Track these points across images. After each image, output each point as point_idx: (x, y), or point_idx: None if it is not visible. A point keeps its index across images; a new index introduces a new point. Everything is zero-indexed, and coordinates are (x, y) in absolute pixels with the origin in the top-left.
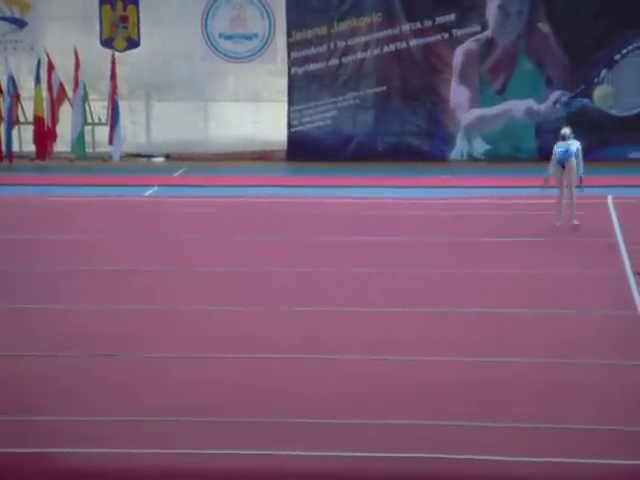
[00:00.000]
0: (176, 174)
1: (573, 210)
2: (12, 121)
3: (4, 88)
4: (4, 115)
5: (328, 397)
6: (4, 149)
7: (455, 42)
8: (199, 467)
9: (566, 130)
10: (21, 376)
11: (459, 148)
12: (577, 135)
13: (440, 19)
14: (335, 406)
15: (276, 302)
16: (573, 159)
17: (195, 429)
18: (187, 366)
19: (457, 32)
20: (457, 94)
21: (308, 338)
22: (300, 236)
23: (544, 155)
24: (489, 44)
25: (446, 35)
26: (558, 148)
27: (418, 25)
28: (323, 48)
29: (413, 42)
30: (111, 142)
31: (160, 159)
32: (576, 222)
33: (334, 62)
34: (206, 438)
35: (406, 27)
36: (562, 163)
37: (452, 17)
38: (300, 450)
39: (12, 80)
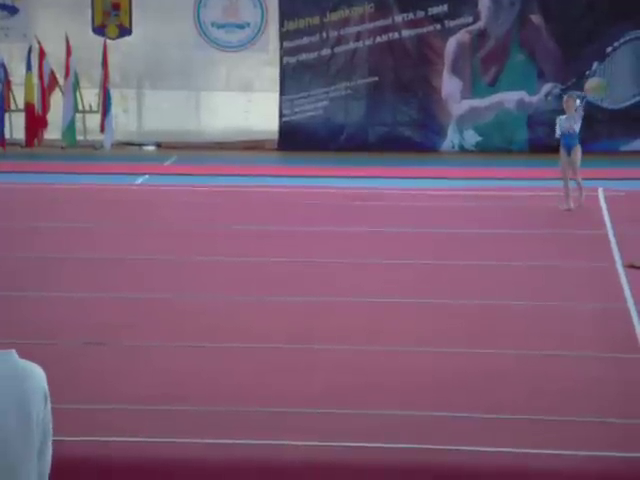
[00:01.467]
0: (167, 163)
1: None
2: (3, 108)
3: None
4: None
5: (322, 387)
6: None
7: (447, 33)
8: (188, 456)
9: (577, 101)
10: None
11: (450, 139)
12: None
13: (432, 10)
14: (328, 397)
15: (267, 292)
16: (579, 146)
17: (186, 418)
18: (178, 355)
19: (449, 23)
20: (449, 85)
21: (300, 328)
22: (291, 226)
23: (535, 147)
24: (481, 35)
25: (438, 26)
26: (563, 123)
27: (410, 16)
28: (315, 38)
29: (405, 33)
30: (102, 130)
31: (151, 147)
32: (571, 205)
33: (326, 52)
34: (197, 427)
35: (398, 18)
36: (569, 149)
37: (444, 8)
38: (293, 440)
39: (3, 67)
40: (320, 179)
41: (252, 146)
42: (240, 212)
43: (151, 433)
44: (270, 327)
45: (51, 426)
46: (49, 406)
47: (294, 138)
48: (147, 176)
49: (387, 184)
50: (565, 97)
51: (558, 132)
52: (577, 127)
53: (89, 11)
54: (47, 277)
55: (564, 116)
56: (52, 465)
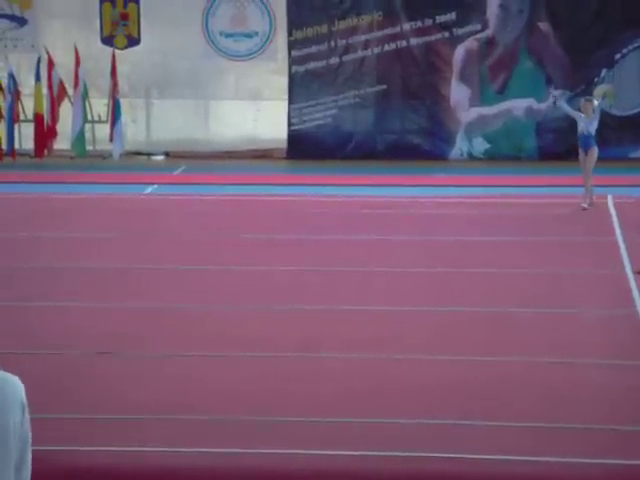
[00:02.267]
0: (176, 172)
1: (591, 192)
2: (13, 119)
3: (4, 86)
4: (5, 113)
5: (329, 396)
6: (5, 147)
7: (455, 41)
8: (197, 465)
9: (595, 102)
10: (19, 374)
11: (459, 147)
12: (577, 134)
13: (440, 18)
14: (336, 405)
15: (274, 300)
16: (595, 148)
17: (195, 428)
18: (187, 364)
19: (457, 31)
20: (457, 93)
21: (308, 337)
22: (299, 234)
23: (544, 154)
24: (490, 43)
25: (446, 34)
26: (580, 123)
27: (419, 24)
28: (324, 46)
29: (413, 41)
30: (111, 140)
31: (160, 157)
32: (585, 205)
33: (334, 60)
34: (205, 436)
35: (406, 26)
36: (585, 150)
37: (453, 16)
38: (300, 449)
39: (12, 78)
40: (328, 187)
41: (261, 155)
42: (248, 221)
43: (159, 442)
44: (278, 335)
45: (30, 437)
46: (27, 417)
47: (302, 147)
48: (156, 185)
49: (395, 192)
50: (583, 100)
51: (567, 108)
52: (592, 129)
53: (97, 21)
54: (56, 287)
55: (583, 115)
56: (63, 473)
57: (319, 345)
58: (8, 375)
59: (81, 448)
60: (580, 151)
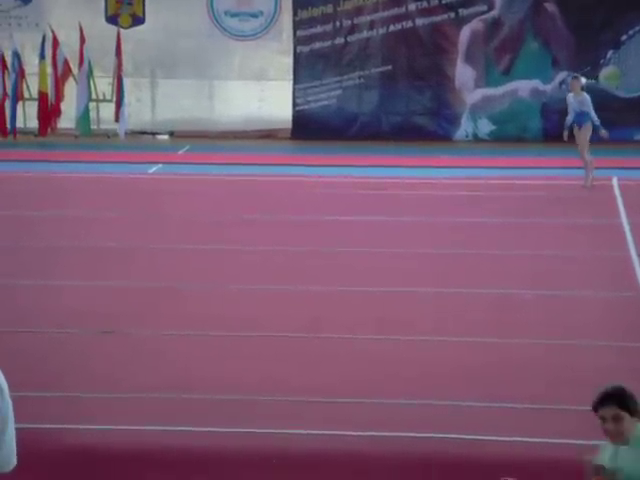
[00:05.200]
0: (180, 152)
1: (588, 172)
2: (17, 97)
3: (9, 64)
4: (9, 91)
5: (334, 376)
6: (8, 125)
7: (461, 21)
8: (199, 444)
9: (583, 80)
10: (21, 352)
11: (464, 128)
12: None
13: None
14: (341, 386)
15: (278, 281)
16: (589, 125)
17: (196, 406)
18: (188, 344)
19: (463, 11)
20: (463, 74)
21: (312, 318)
22: (304, 215)
23: (550, 136)
24: (495, 24)
25: (452, 14)
26: (572, 101)
27: (424, 4)
28: (329, 27)
29: (419, 21)
30: (116, 119)
31: (165, 136)
32: (587, 184)
33: (340, 41)
34: (207, 416)
35: (412, 6)
36: (579, 125)
37: None
38: (305, 429)
39: (17, 56)
40: (333, 168)
41: (265, 135)
42: (252, 201)
43: (163, 421)
44: (283, 316)
45: (9, 418)
46: (7, 399)
47: (307, 127)
48: (160, 165)
49: (401, 173)
50: (570, 79)
51: (571, 115)
52: (586, 108)
53: (102, 0)
54: (58, 266)
55: (572, 94)
56: (66, 452)
57: (324, 326)
58: None
59: (80, 426)
60: (575, 129)
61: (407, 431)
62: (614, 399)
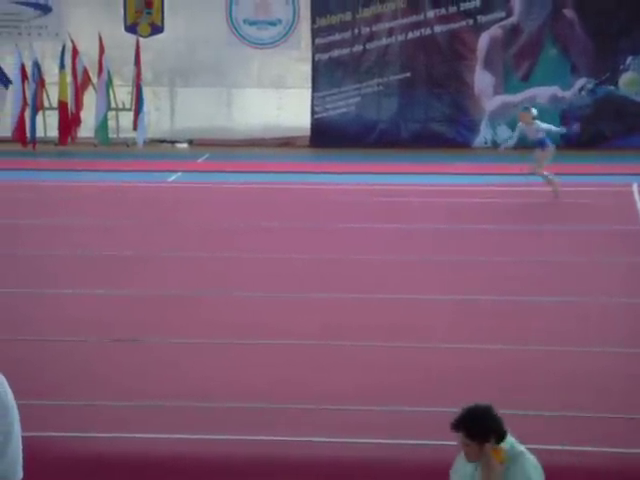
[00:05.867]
0: (200, 160)
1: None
2: (37, 106)
3: (29, 74)
4: (29, 101)
5: (348, 383)
6: (28, 134)
7: (480, 28)
8: (213, 452)
9: (534, 111)
10: (42, 360)
11: (483, 135)
12: (602, 122)
13: (465, 5)
14: (355, 393)
15: (296, 289)
16: (550, 146)
17: (210, 414)
18: (204, 351)
19: (482, 18)
20: (481, 81)
21: (326, 325)
22: (322, 223)
23: (569, 142)
24: (514, 30)
25: (471, 21)
26: (527, 132)
27: (442, 11)
28: (347, 34)
29: (437, 28)
30: (135, 128)
31: (184, 145)
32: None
33: (358, 48)
34: (221, 423)
35: (430, 13)
36: (541, 148)
37: (477, 3)
38: (320, 436)
39: (37, 66)
40: (352, 176)
41: (284, 143)
42: (272, 209)
43: (177, 429)
44: (297, 323)
45: (15, 432)
46: (10, 414)
47: (326, 135)
48: (180, 173)
49: (419, 180)
50: (520, 112)
51: (514, 139)
52: (540, 134)
53: (121, 9)
54: (79, 274)
55: (524, 125)
56: (78, 460)
57: (339, 333)
58: None
59: (102, 434)
60: (537, 149)
61: (421, 438)
62: (462, 429)
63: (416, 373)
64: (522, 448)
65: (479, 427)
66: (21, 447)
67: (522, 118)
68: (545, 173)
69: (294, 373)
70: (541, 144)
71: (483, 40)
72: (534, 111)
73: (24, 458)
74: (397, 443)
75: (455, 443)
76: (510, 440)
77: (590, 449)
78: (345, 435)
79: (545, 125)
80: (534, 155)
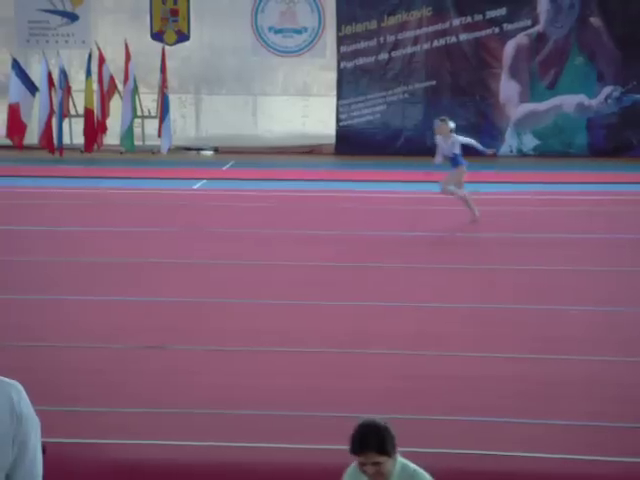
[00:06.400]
0: (225, 167)
1: (471, 206)
2: (63, 114)
3: (56, 81)
4: (55, 108)
5: (379, 391)
6: (55, 141)
7: (506, 36)
8: (248, 460)
9: (451, 124)
10: (69, 367)
11: (509, 143)
12: (629, 130)
13: (491, 13)
14: (383, 400)
15: (322, 296)
16: (462, 166)
17: (244, 422)
18: (237, 358)
19: (508, 26)
20: (507, 89)
21: (355, 332)
22: (348, 230)
23: (595, 151)
24: (540, 38)
25: (497, 29)
26: (441, 143)
27: (468, 19)
28: (373, 42)
29: (463, 36)
30: (160, 135)
31: (209, 152)
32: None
33: (383, 56)
34: (256, 431)
35: (456, 21)
36: (453, 166)
37: (503, 11)
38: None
39: (63, 73)
40: (377, 184)
41: (309, 151)
42: (297, 217)
43: (209, 437)
44: (327, 331)
45: (31, 443)
46: (26, 425)
47: (351, 142)
48: (205, 181)
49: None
50: (437, 122)
51: (440, 156)
52: (457, 149)
53: (148, 17)
54: (105, 281)
55: (440, 137)
56: (110, 467)
57: (367, 340)
58: (2, 380)
59: (129, 441)
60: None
61: (448, 447)
62: (373, 445)
63: (445, 382)
64: (415, 466)
65: (389, 439)
66: (40, 458)
67: (440, 130)
68: (462, 194)
69: (326, 379)
70: (453, 162)
71: (509, 48)
72: (451, 124)
73: (49, 467)
74: (428, 452)
75: (480, 452)
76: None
77: (615, 459)
78: None
79: (465, 139)
80: (450, 178)
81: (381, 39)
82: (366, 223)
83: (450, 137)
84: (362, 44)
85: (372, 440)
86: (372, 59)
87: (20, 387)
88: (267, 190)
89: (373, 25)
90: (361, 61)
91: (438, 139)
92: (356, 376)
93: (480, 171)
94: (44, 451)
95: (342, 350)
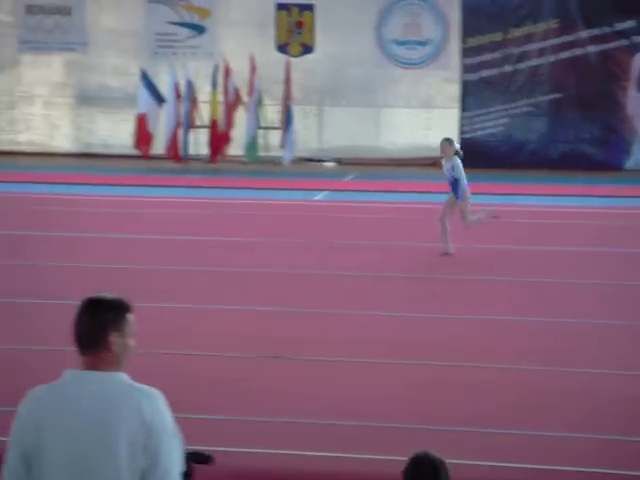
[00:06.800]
0: (346, 179)
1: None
2: (189, 124)
3: (182, 92)
4: (182, 119)
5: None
6: (181, 152)
7: (634, 49)
8: (364, 471)
9: (456, 145)
10: (190, 375)
11: (635, 157)
12: None
13: (619, 25)
14: (503, 415)
15: (438, 309)
16: (464, 200)
17: (362, 433)
18: (357, 369)
19: (637, 39)
20: (635, 102)
21: (467, 345)
22: (465, 244)
23: None
24: None
25: (625, 41)
26: (444, 165)
27: (596, 31)
28: (497, 54)
29: (590, 48)
30: (283, 146)
31: (331, 164)
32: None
33: (508, 68)
34: (375, 442)
35: (583, 33)
36: (454, 194)
37: (632, 23)
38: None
39: (190, 85)
40: (500, 197)
41: (431, 163)
42: (416, 229)
43: (327, 447)
44: (431, 343)
45: (162, 455)
46: (159, 436)
47: (474, 155)
48: (326, 192)
49: (569, 202)
50: (441, 141)
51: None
52: (458, 174)
53: (273, 29)
54: (228, 290)
55: (443, 159)
56: (232, 475)
57: (476, 355)
58: (139, 388)
59: (250, 450)
60: (450, 195)
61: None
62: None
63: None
64: None
65: (445, 475)
66: (177, 470)
67: (443, 150)
68: (446, 225)
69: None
70: (453, 187)
71: (638, 60)
72: (457, 146)
73: None
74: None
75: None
76: None
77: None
78: (472, 458)
79: (459, 171)
80: (449, 204)
81: (506, 51)
82: (486, 236)
83: (452, 160)
84: (486, 56)
85: (427, 475)
86: (496, 71)
87: (156, 396)
88: (388, 202)
89: (498, 37)
90: (485, 73)
91: (443, 161)
92: (468, 389)
93: (606, 185)
94: (208, 460)
95: (450, 363)
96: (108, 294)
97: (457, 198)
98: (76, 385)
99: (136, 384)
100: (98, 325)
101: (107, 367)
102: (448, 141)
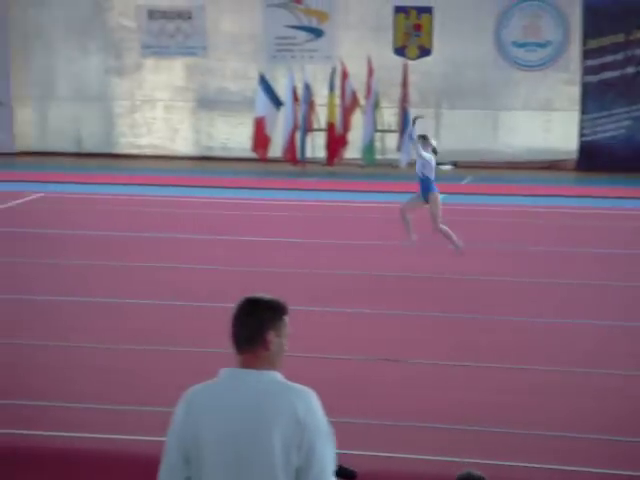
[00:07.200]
0: (463, 182)
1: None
2: (306, 128)
3: (300, 96)
4: (299, 122)
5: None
6: (298, 155)
7: None
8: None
9: (433, 142)
10: (314, 379)
11: None
12: None
13: None
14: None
15: (539, 313)
16: (436, 193)
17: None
18: (463, 373)
19: None
20: None
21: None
22: (583, 248)
23: None
24: None
25: None
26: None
27: None
28: (619, 56)
29: None
30: (400, 149)
31: (448, 167)
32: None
33: (630, 70)
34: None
35: None
36: (423, 194)
37: None
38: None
39: (308, 88)
40: (622, 200)
41: (548, 166)
42: (533, 233)
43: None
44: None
45: (317, 457)
46: (309, 434)
47: (594, 158)
48: (443, 195)
49: None
50: (416, 137)
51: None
52: (428, 172)
53: (391, 32)
54: (343, 293)
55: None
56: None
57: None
58: (292, 387)
59: (360, 452)
60: (418, 193)
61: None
62: None
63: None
64: None
65: None
66: (330, 470)
67: (423, 144)
68: (442, 229)
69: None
70: (424, 187)
71: None
72: (434, 142)
73: None
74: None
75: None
76: None
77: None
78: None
79: (430, 168)
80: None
81: (628, 53)
82: (602, 242)
83: (423, 157)
84: (608, 58)
85: None
86: (618, 73)
87: (310, 396)
88: (506, 205)
89: (620, 38)
90: (606, 75)
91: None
92: (559, 395)
93: None
94: (353, 476)
95: (545, 368)
96: (265, 295)
97: (425, 199)
98: (232, 384)
99: (290, 383)
100: (257, 323)
101: (263, 366)
102: (423, 138)
